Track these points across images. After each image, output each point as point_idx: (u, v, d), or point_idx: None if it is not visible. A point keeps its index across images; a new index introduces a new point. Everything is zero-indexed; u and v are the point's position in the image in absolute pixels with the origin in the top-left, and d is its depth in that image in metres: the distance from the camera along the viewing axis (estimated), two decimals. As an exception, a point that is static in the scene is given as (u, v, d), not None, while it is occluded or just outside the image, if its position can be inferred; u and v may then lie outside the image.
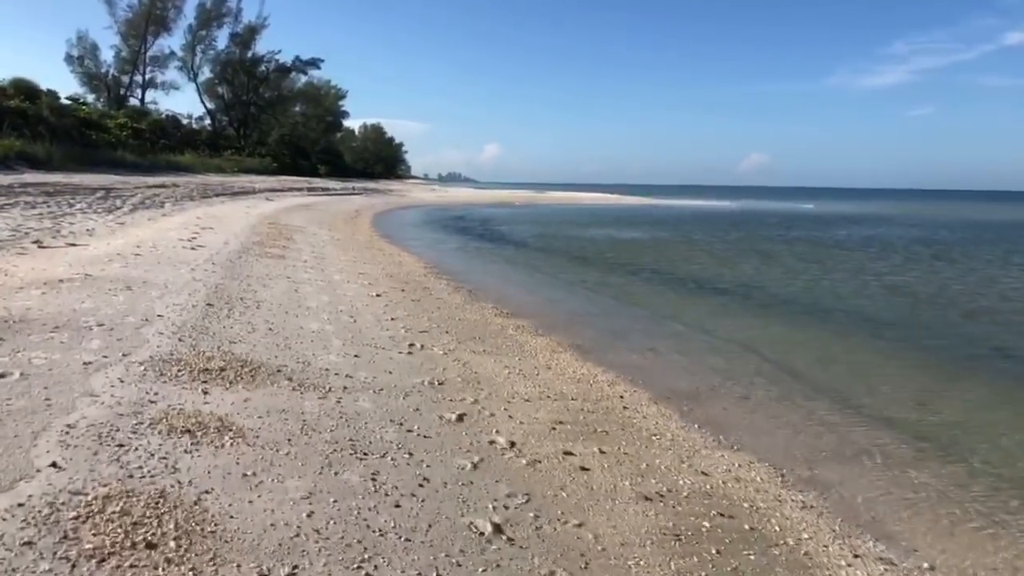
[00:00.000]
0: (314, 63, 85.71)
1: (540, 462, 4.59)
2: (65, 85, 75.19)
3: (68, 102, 54.44)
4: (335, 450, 4.34)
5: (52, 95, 50.23)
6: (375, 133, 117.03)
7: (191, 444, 4.11)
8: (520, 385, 6.49)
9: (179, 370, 5.48)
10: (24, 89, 46.28)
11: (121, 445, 3.95)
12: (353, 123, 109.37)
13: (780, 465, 5.11)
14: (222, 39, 77.61)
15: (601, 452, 4.90)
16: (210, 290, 9.04)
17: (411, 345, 7.56)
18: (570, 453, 4.80)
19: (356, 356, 6.78)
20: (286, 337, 7.14)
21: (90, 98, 66.96)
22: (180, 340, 6.35)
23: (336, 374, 6.04)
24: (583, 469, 4.56)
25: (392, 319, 8.93)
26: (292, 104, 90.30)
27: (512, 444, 4.83)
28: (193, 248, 12.97)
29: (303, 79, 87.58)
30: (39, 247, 10.97)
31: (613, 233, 30.39)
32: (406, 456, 4.41)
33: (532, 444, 4.92)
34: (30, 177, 27.05)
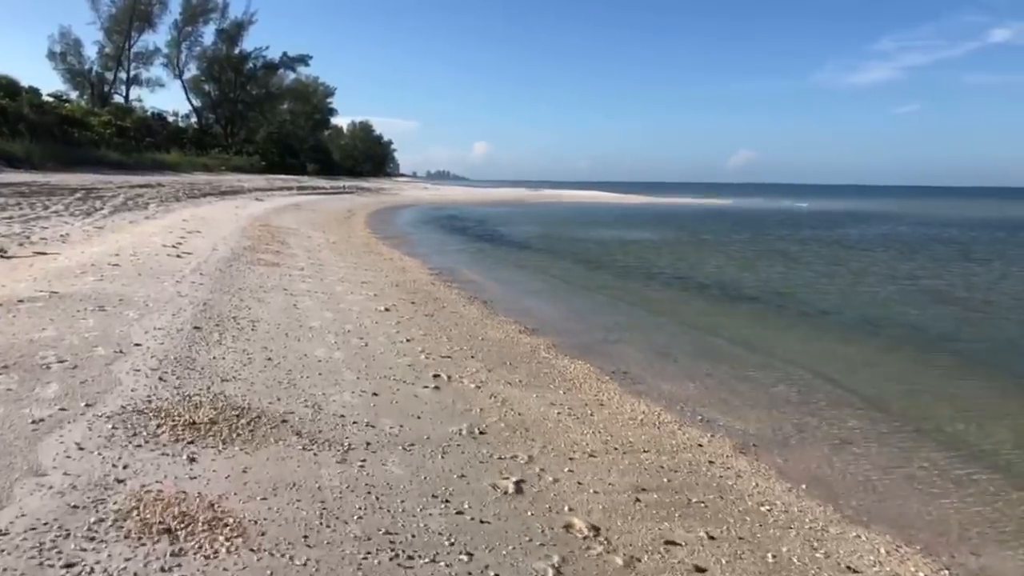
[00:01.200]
0: (302, 59, 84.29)
1: (639, 560, 3.44)
2: (48, 82, 73.33)
3: (50, 99, 52.93)
4: (369, 553, 3.17)
5: (33, 92, 48.73)
6: (364, 131, 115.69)
7: (171, 554, 2.93)
8: (577, 432, 5.33)
9: (159, 425, 4.30)
10: (4, 86, 44.78)
11: (69, 566, 2.76)
12: (341, 121, 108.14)
13: (936, 550, 3.96)
14: (208, 35, 76.05)
15: (710, 538, 3.75)
16: (197, 308, 7.84)
17: (436, 376, 6.39)
18: (673, 543, 3.65)
19: (375, 394, 5.60)
20: (289, 370, 5.95)
21: (73, 95, 65.46)
22: (161, 379, 5.16)
23: (354, 422, 4.87)
24: (699, 571, 3.40)
25: (407, 340, 7.75)
26: (280, 101, 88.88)
27: (595, 530, 3.68)
28: (178, 255, 11.74)
29: (291, 76, 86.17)
30: (1, 257, 9.71)
31: (618, 233, 29.27)
32: (463, 559, 3.24)
33: (619, 528, 3.77)
34: (6, 176, 25.70)
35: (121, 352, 5.71)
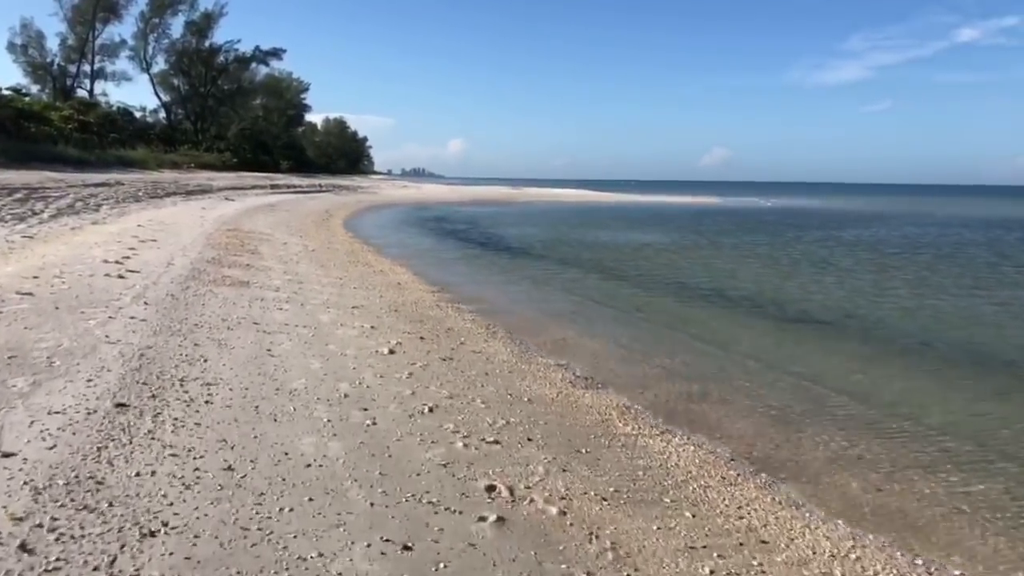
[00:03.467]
0: (275, 53, 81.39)
1: None
2: (8, 76, 69.56)
3: (8, 93, 49.89)
4: None
5: (-13, 85, 45.71)
6: (338, 127, 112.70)
7: None
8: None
9: None
10: (-50, 77, 41.69)
11: None
12: (316, 117, 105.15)
13: None
14: (177, 27, 72.65)
15: None
16: (129, 366, 5.46)
17: (491, 490, 4.07)
18: None
19: (406, 548, 3.28)
20: (259, 497, 3.63)
21: (35, 89, 62.18)
22: (26, 551, 2.78)
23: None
24: None
25: (430, 410, 5.42)
26: (252, 97, 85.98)
27: None
28: (121, 275, 9.29)
29: (264, 71, 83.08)
30: None
31: (622, 236, 27.07)
32: None
33: None
34: (-60, 175, 22.89)
35: (-30, 478, 3.32)
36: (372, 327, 8.41)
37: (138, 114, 70.66)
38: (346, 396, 5.56)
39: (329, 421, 4.93)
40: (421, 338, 8.12)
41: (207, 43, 75.76)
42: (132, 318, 7.08)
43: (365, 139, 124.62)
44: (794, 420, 6.18)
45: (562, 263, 18.06)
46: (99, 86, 68.21)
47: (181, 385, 5.27)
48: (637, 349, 8.65)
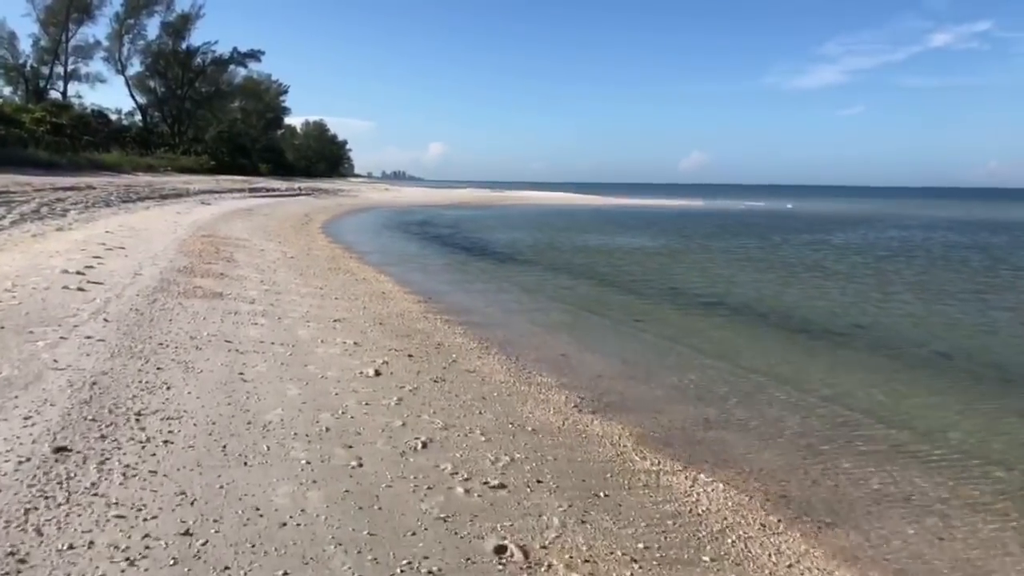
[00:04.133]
0: (254, 55, 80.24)
1: None
2: (-22, 78, 67.75)
3: (-23, 95, 48.69)
4: None
5: (-47, 87, 44.49)
6: (318, 130, 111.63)
7: None
8: None
9: None
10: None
11: None
12: (295, 120, 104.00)
13: None
14: (152, 28, 71.32)
15: None
16: (76, 398, 4.75)
17: (502, 552, 3.41)
18: None
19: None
20: (224, 568, 2.97)
21: (7, 91, 60.81)
22: None
23: None
24: None
25: (423, 446, 4.78)
26: (231, 99, 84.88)
27: None
28: (81, 287, 8.54)
29: (242, 73, 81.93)
30: None
31: (610, 240, 26.50)
32: None
33: None
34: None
35: None
36: (356, 344, 7.72)
37: (113, 117, 69.44)
38: (327, 430, 4.88)
39: (308, 463, 4.26)
40: (409, 356, 7.45)
41: (184, 45, 74.64)
42: (88, 338, 6.35)
43: (345, 142, 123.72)
44: (824, 450, 5.57)
45: (552, 269, 17.43)
46: (73, 88, 66.95)
47: (137, 421, 4.57)
48: (642, 365, 8.02)
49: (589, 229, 32.96)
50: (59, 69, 67.06)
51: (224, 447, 4.34)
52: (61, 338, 6.21)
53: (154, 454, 4.09)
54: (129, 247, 13.06)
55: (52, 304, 7.48)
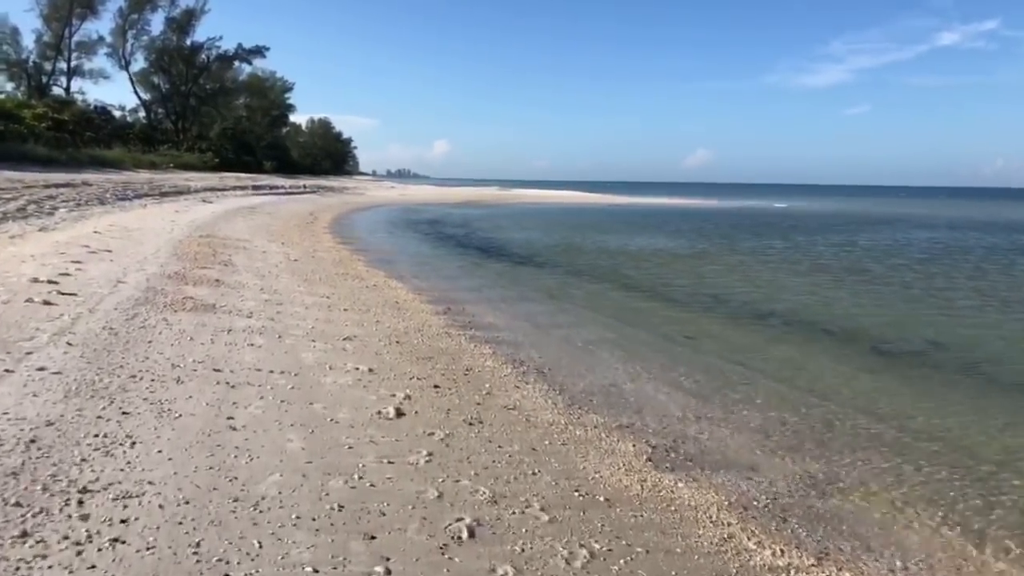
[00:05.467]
0: (259, 51, 79.11)
1: None
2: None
3: (-25, 90, 47.69)
4: None
5: (-48, 81, 43.50)
6: (323, 128, 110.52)
7: None
8: None
9: None
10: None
11: None
12: (300, 118, 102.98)
13: None
14: (156, 24, 70.17)
15: None
16: (8, 464, 3.47)
17: None
18: None
19: None
20: None
21: (9, 87, 59.80)
22: None
23: None
24: None
25: (468, 531, 3.57)
26: (235, 96, 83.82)
27: None
28: (48, 301, 7.29)
29: (247, 70, 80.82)
30: None
31: (630, 241, 25.17)
32: None
33: None
34: None
35: None
36: (370, 370, 6.45)
37: (117, 113, 68.38)
38: (340, 508, 3.62)
39: (316, 573, 2.97)
40: (435, 387, 6.18)
41: (188, 41, 73.51)
42: (40, 370, 5.09)
43: (350, 140, 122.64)
44: (991, 532, 4.26)
45: (575, 273, 16.15)
46: (76, 84, 65.87)
47: (80, 504, 3.31)
48: (712, 398, 6.73)
49: (604, 229, 31.66)
50: (62, 65, 66.16)
51: (198, 546, 3.09)
52: (5, 371, 4.95)
53: (93, 567, 2.81)
54: (116, 250, 11.81)
55: (7, 323, 6.23)
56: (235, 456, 4.13)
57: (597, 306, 11.66)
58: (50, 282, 8.21)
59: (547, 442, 5.08)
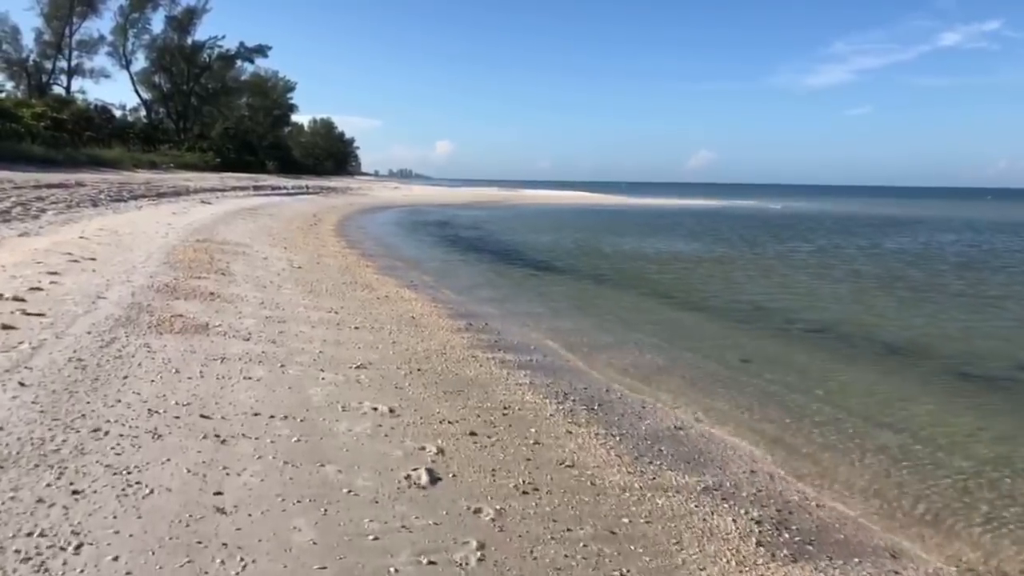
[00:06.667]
0: (261, 51, 78.11)
1: None
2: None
3: (-22, 90, 46.83)
4: None
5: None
6: (325, 128, 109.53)
7: None
8: None
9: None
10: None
11: None
12: (302, 118, 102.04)
13: None
14: (157, 23, 69.14)
15: None
16: None
17: None
18: None
19: None
20: None
21: (9, 86, 58.92)
22: None
23: None
24: None
25: None
26: (237, 96, 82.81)
27: None
28: (7, 325, 6.16)
29: (249, 69, 79.81)
30: None
31: (648, 244, 24.06)
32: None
33: None
34: None
35: None
36: (391, 411, 5.32)
37: (118, 112, 67.33)
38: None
39: None
40: (472, 435, 5.04)
41: (189, 39, 72.46)
42: (-23, 426, 3.94)
43: (352, 140, 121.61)
44: None
45: (600, 280, 15.03)
46: (77, 83, 64.97)
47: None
48: (796, 445, 5.62)
49: (616, 231, 30.54)
50: (62, 64, 65.31)
51: None
52: (-75, 430, 3.81)
53: None
54: (102, 258, 10.70)
55: (-51, 357, 5.09)
56: (221, 562, 2.99)
57: (634, 321, 10.52)
58: (16, 299, 7.08)
59: (625, 519, 3.94)
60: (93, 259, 10.40)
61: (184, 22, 72.02)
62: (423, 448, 4.64)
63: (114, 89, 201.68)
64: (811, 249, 23.50)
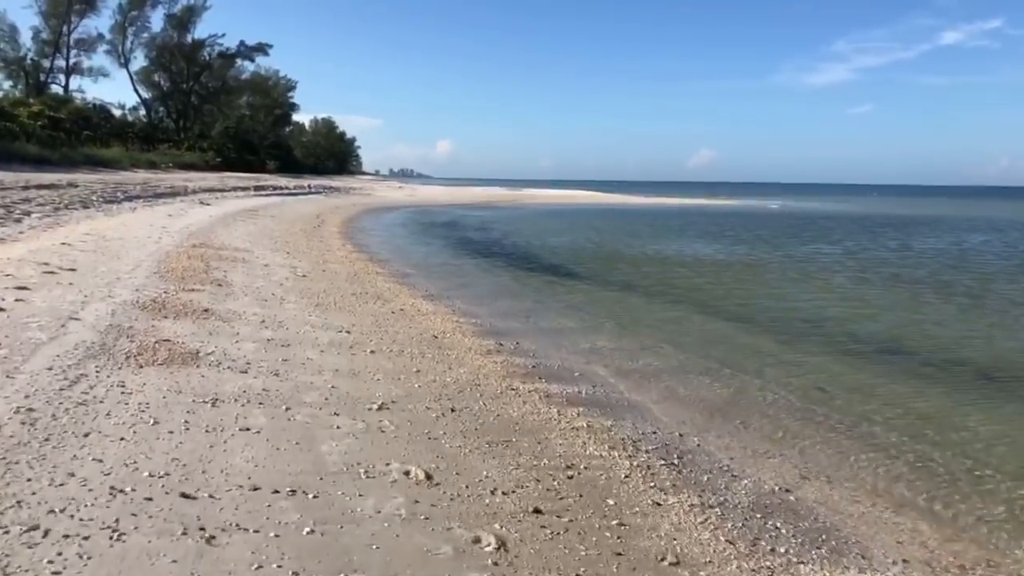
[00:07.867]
0: (261, 49, 77.15)
1: None
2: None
3: (-27, 88, 45.81)
4: None
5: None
6: (326, 128, 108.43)
7: None
8: None
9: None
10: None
11: None
12: (303, 117, 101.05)
13: None
14: (157, 21, 68.06)
15: None
16: None
17: None
18: None
19: None
20: None
21: (7, 85, 57.94)
22: None
23: None
24: None
25: None
26: (238, 95, 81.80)
27: None
28: (-51, 360, 4.92)
29: (249, 68, 78.74)
30: None
31: (668, 247, 22.87)
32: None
33: None
34: None
35: None
36: (428, 476, 4.14)
37: (117, 112, 66.25)
38: None
39: None
40: (536, 512, 3.85)
41: (189, 38, 71.37)
42: None
43: (353, 139, 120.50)
44: None
45: (625, 287, 13.88)
46: (75, 82, 63.95)
47: None
48: (941, 521, 4.39)
49: (630, 231, 29.35)
50: (60, 62, 64.43)
51: None
52: None
53: None
54: (84, 267, 9.52)
55: None
56: None
57: (676, 337, 9.35)
58: (-31, 324, 5.88)
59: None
60: (72, 270, 9.22)
61: (184, 20, 71.02)
62: (477, 540, 3.46)
63: (113, 88, 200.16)
64: (838, 251, 22.32)
